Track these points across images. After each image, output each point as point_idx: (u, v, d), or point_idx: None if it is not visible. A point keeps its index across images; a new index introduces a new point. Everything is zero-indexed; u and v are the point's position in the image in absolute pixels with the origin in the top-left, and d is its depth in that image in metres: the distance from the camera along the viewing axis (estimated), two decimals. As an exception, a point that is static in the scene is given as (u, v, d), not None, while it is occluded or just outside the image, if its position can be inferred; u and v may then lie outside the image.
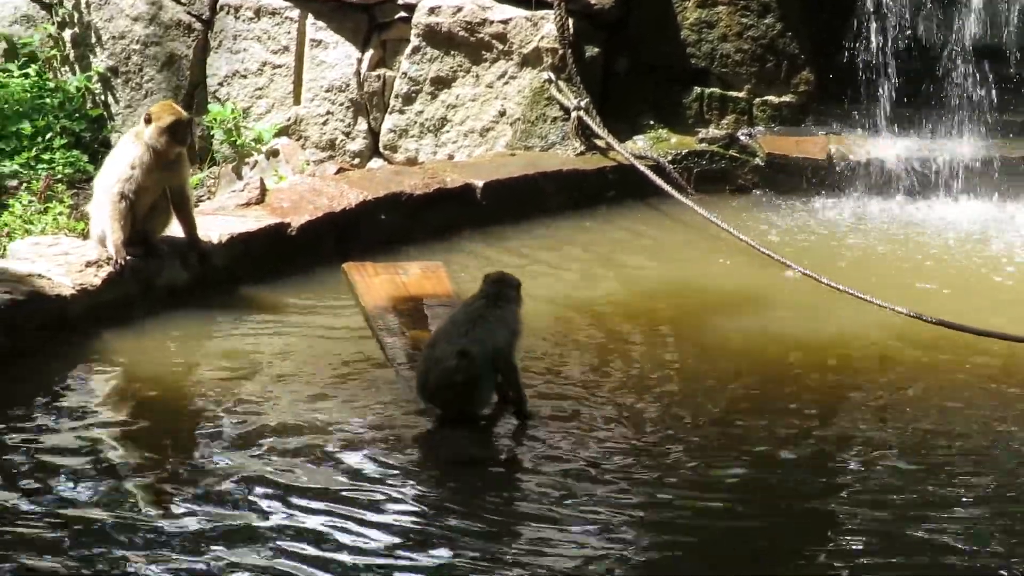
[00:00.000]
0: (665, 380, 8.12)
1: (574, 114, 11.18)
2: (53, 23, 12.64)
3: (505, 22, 11.46)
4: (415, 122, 11.69)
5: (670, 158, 11.22)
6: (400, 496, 6.68)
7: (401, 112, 11.72)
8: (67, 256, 8.58)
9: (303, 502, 6.57)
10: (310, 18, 11.89)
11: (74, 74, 12.50)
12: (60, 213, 10.61)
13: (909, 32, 11.38)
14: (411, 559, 6.16)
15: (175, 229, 8.85)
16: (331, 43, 11.83)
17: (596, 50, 11.44)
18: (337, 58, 11.82)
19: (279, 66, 11.96)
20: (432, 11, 11.53)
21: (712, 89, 11.53)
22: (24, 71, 12.38)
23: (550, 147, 11.35)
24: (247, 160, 11.75)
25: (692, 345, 8.67)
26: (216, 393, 7.71)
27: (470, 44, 11.53)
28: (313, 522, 6.40)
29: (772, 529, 6.54)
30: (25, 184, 11.21)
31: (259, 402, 7.59)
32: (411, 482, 6.86)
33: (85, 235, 9.26)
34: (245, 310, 8.83)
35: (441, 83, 11.62)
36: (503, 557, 6.18)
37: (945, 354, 8.42)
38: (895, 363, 8.43)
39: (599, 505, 6.65)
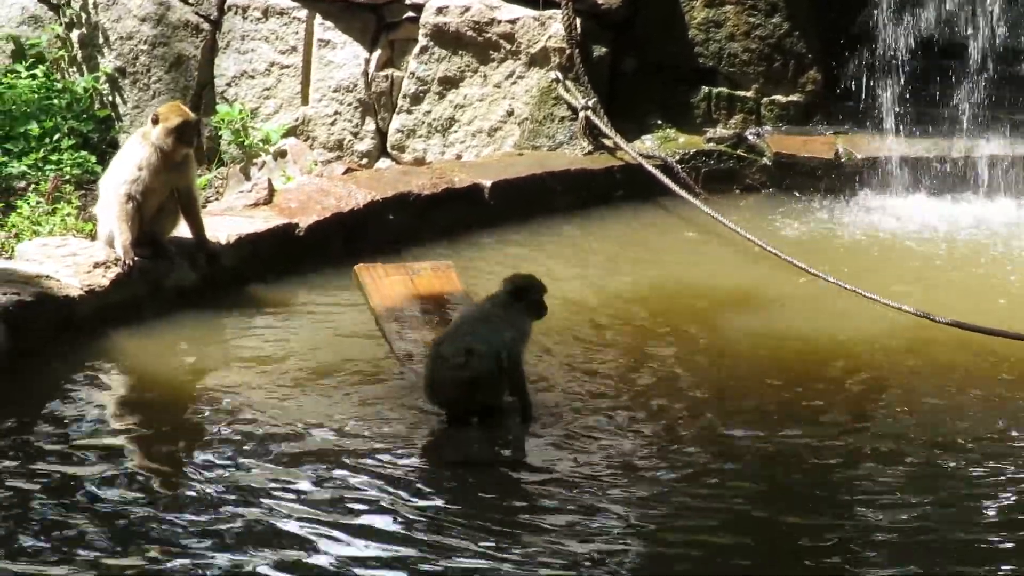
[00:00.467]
0: (673, 380, 8.11)
1: (582, 114, 11.18)
2: (61, 24, 12.64)
3: (513, 22, 11.45)
4: (423, 122, 11.68)
5: (678, 158, 11.21)
6: (405, 498, 6.68)
7: (409, 112, 11.72)
8: (75, 257, 8.58)
9: (309, 502, 6.57)
10: (318, 18, 11.88)
11: (82, 75, 12.50)
12: (68, 214, 10.60)
13: (916, 31, 11.36)
14: (414, 560, 6.16)
15: (183, 230, 8.85)
16: (339, 43, 11.82)
17: (603, 50, 11.43)
18: (345, 58, 11.82)
19: (287, 66, 11.96)
20: (440, 11, 11.53)
21: (720, 89, 11.52)
22: (32, 72, 12.38)
23: (558, 147, 11.35)
24: (255, 161, 11.76)
25: (702, 344, 8.65)
26: (224, 394, 7.71)
27: (478, 44, 11.52)
28: (318, 523, 6.39)
29: (788, 532, 6.53)
30: (33, 185, 11.21)
31: (268, 403, 7.60)
32: (416, 484, 6.86)
33: (93, 236, 9.26)
34: (254, 311, 8.83)
35: (449, 83, 11.61)
36: (507, 558, 6.18)
37: (965, 354, 8.39)
38: (933, 364, 8.37)
39: (604, 507, 6.64)
